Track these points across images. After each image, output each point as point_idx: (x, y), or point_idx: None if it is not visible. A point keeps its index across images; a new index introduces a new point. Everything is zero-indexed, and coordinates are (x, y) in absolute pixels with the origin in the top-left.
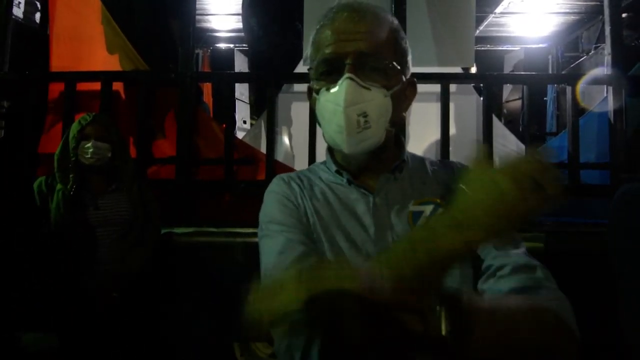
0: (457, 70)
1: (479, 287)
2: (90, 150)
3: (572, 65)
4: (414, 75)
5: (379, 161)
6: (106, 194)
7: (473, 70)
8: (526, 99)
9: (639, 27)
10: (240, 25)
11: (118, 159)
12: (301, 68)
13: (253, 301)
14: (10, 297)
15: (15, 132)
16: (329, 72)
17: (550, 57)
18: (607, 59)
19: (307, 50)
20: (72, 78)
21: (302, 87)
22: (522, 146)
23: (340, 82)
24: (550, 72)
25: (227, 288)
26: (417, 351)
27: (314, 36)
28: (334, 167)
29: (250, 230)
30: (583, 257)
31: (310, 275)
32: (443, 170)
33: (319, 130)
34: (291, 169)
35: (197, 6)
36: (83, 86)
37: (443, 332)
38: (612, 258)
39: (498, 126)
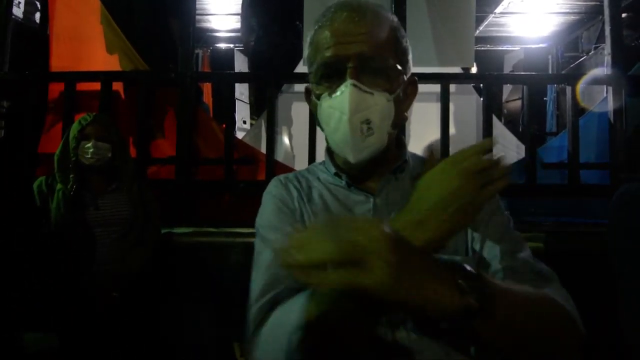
0: (457, 70)
1: None
2: (91, 150)
3: (572, 65)
4: (414, 74)
5: (380, 163)
6: (106, 194)
7: (473, 70)
8: (526, 99)
9: (639, 27)
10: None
11: (118, 159)
12: (301, 68)
13: (286, 253)
14: (10, 297)
15: (15, 132)
16: (329, 75)
17: (550, 57)
18: (607, 59)
19: (305, 51)
20: (72, 78)
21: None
22: (522, 146)
23: (343, 88)
24: (550, 72)
25: (227, 288)
26: (442, 324)
27: (311, 36)
28: (333, 169)
29: (250, 230)
30: (583, 257)
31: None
32: None
33: (319, 131)
34: (291, 169)
35: (197, 6)
36: (83, 86)
37: (469, 308)
38: (612, 258)
39: (498, 126)
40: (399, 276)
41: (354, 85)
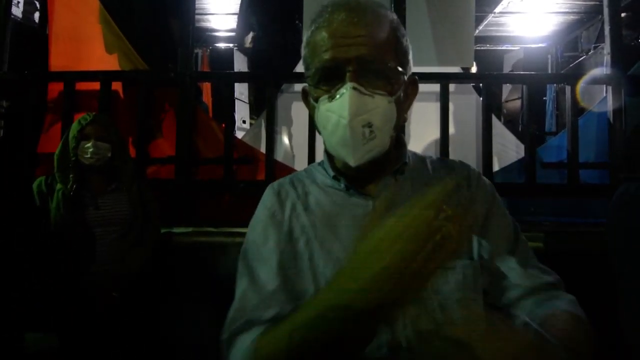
0: (457, 70)
1: (502, 301)
2: (90, 150)
3: (571, 65)
4: (414, 74)
5: (380, 165)
6: (106, 193)
7: (473, 69)
8: (525, 98)
9: (639, 26)
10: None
11: (118, 159)
12: (301, 68)
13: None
14: (10, 297)
15: (14, 132)
16: (328, 78)
17: (549, 56)
18: (607, 58)
19: (302, 52)
20: (71, 78)
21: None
22: (522, 146)
23: (343, 91)
24: (549, 71)
25: (227, 288)
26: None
27: (308, 37)
28: (331, 172)
29: None
30: (583, 257)
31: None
32: (444, 170)
33: None
34: (291, 169)
35: (196, 6)
36: (82, 86)
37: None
38: (611, 258)
39: (497, 126)
40: None
41: (354, 89)
